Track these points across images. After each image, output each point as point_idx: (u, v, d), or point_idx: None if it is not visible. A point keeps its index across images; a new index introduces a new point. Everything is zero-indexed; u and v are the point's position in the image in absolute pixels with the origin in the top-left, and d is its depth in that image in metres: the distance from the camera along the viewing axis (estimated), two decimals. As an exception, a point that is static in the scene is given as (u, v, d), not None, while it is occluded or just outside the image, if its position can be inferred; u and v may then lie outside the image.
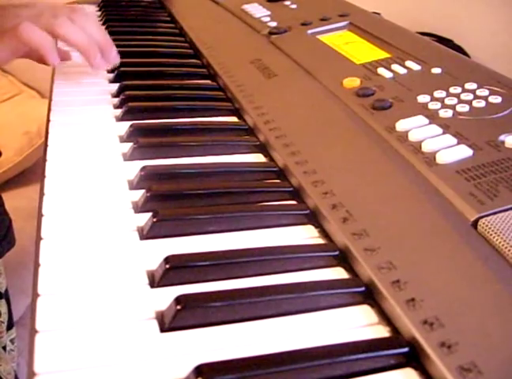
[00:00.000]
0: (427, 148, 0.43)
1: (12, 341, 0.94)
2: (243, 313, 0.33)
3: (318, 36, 0.67)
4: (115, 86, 0.64)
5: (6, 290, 0.93)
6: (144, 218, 0.41)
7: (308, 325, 0.33)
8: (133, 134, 0.53)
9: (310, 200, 0.43)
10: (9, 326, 0.93)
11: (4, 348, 0.91)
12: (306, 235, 0.41)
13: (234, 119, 0.59)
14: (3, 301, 0.92)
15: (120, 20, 0.88)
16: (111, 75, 0.68)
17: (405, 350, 0.31)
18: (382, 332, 0.33)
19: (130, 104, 0.58)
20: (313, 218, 0.42)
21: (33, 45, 0.58)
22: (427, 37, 0.61)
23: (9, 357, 0.92)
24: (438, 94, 0.49)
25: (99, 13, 0.95)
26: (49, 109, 0.59)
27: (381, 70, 0.56)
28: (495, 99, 0.47)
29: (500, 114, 0.45)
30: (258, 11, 0.80)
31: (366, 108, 0.50)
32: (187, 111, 0.60)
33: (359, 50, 0.62)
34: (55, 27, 0.60)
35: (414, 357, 0.30)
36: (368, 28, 0.66)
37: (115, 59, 0.66)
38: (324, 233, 0.41)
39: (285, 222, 0.42)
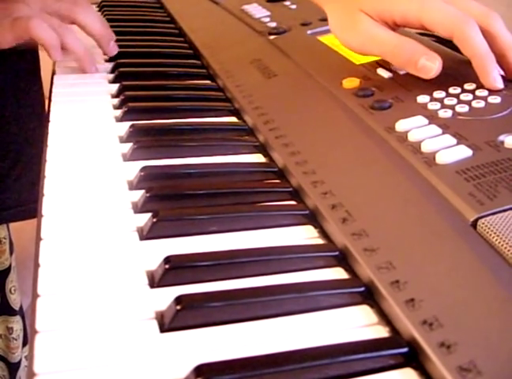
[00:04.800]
0: (426, 148, 0.43)
1: (26, 358, 0.94)
2: (243, 313, 0.33)
3: (318, 37, 0.67)
4: (115, 86, 0.64)
5: (21, 308, 0.93)
6: (144, 218, 0.41)
7: (308, 325, 0.33)
8: (133, 135, 0.53)
9: (309, 201, 0.43)
10: (25, 343, 0.94)
11: (19, 364, 0.92)
12: (305, 235, 0.41)
13: (234, 119, 0.59)
14: (18, 317, 0.92)
15: (120, 20, 0.88)
16: (111, 75, 0.68)
17: (405, 350, 0.31)
18: (382, 332, 0.33)
19: (130, 105, 0.58)
20: (312, 218, 0.42)
21: (39, 41, 0.63)
22: (427, 37, 0.61)
23: (23, 373, 0.93)
24: (438, 94, 0.49)
25: (99, 13, 0.95)
26: (49, 109, 0.59)
27: (380, 70, 0.56)
28: (495, 100, 0.47)
29: (500, 114, 0.46)
30: (258, 11, 0.80)
31: (365, 108, 0.50)
32: (187, 112, 0.60)
33: (359, 50, 0.62)
34: (59, 30, 0.64)
35: (413, 357, 0.30)
36: (368, 28, 0.66)
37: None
38: (323, 233, 0.41)
39: (285, 222, 0.42)
